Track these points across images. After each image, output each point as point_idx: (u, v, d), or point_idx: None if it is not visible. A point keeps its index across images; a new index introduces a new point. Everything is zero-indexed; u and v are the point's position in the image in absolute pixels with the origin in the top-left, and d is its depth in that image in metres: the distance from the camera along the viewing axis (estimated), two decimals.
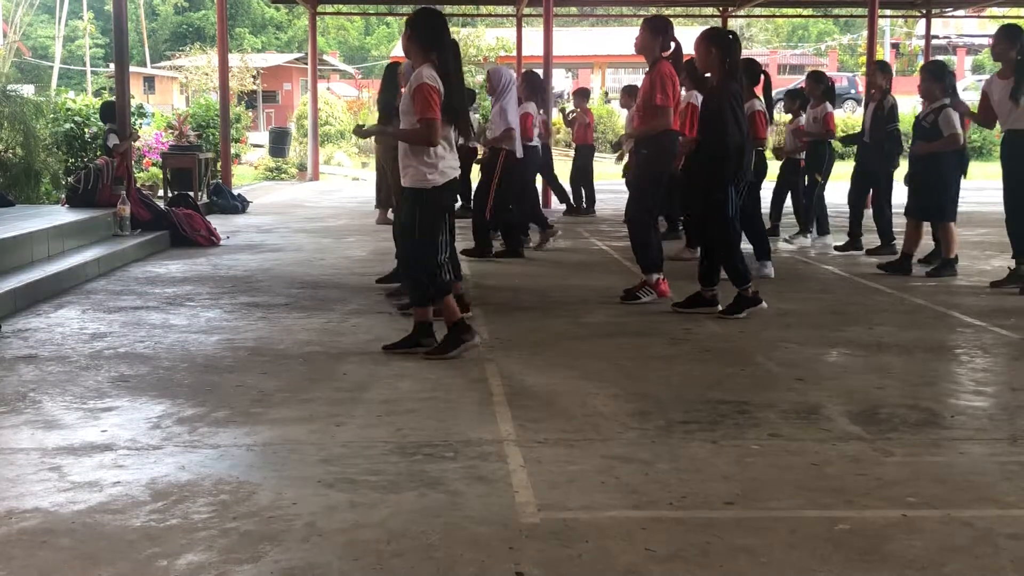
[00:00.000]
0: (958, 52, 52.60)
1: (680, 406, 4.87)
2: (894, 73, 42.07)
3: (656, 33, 7.36)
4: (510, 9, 23.34)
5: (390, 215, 13.13)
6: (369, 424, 4.54)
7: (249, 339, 6.30)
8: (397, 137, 5.94)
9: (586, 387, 5.19)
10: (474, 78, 35.01)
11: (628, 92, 12.85)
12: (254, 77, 33.95)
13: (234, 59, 30.05)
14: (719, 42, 7.08)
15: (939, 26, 40.47)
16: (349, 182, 22.83)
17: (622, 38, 39.59)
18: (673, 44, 7.39)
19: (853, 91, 40.01)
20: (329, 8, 26.05)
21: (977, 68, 51.26)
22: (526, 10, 21.67)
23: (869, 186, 10.42)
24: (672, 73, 7.36)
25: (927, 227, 9.31)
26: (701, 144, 7.26)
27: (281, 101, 41.40)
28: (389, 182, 13.01)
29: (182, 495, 3.65)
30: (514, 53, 23.87)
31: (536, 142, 10.68)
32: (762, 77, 9.33)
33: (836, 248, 10.43)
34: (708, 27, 7.64)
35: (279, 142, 24.97)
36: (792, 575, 3.03)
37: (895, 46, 49.85)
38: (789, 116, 11.95)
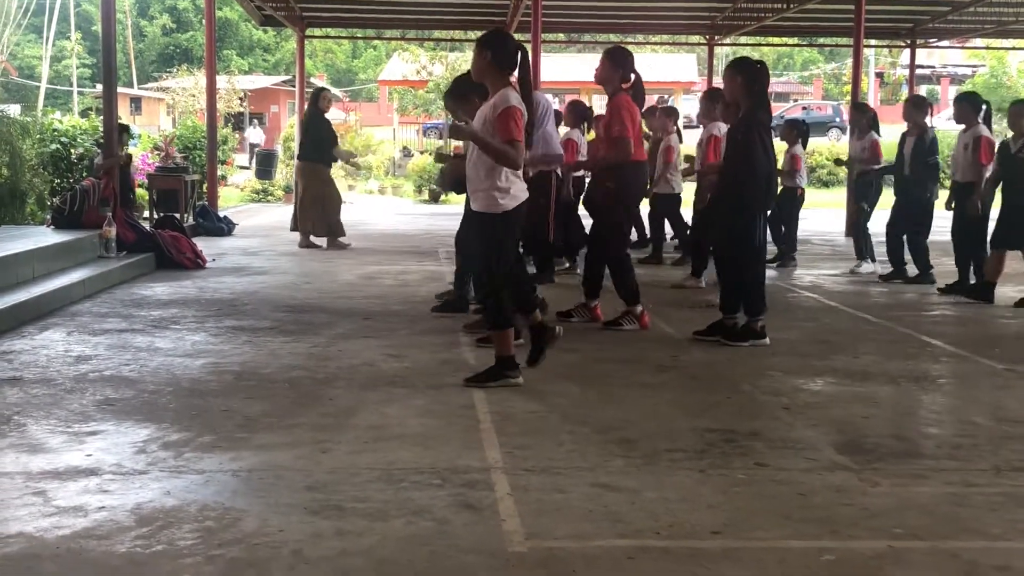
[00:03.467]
0: (942, 82, 53.05)
1: (667, 434, 4.87)
2: (879, 102, 42.31)
3: (616, 65, 7.41)
4: None
5: (312, 239, 13.06)
6: (356, 450, 4.52)
7: (235, 363, 6.28)
8: (482, 143, 5.60)
9: (574, 414, 5.19)
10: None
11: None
12: (241, 99, 33.99)
13: (221, 81, 30.05)
14: (745, 71, 7.09)
15: (923, 56, 40.80)
16: None
17: None
18: (633, 75, 7.43)
19: (837, 119, 40.24)
20: (317, 32, 26.10)
21: None
22: (515, 36, 21.78)
23: (910, 218, 10.44)
24: (629, 104, 7.38)
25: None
26: (727, 172, 7.25)
27: (268, 123, 41.42)
28: (308, 208, 12.94)
29: (167, 521, 3.63)
30: None
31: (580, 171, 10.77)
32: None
33: (881, 277, 10.52)
34: (737, 56, 7.68)
35: (266, 164, 24.96)
36: None
37: (879, 75, 50.24)
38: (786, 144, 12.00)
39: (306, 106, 13.79)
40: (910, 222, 10.34)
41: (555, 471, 4.27)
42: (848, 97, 21.65)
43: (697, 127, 12.45)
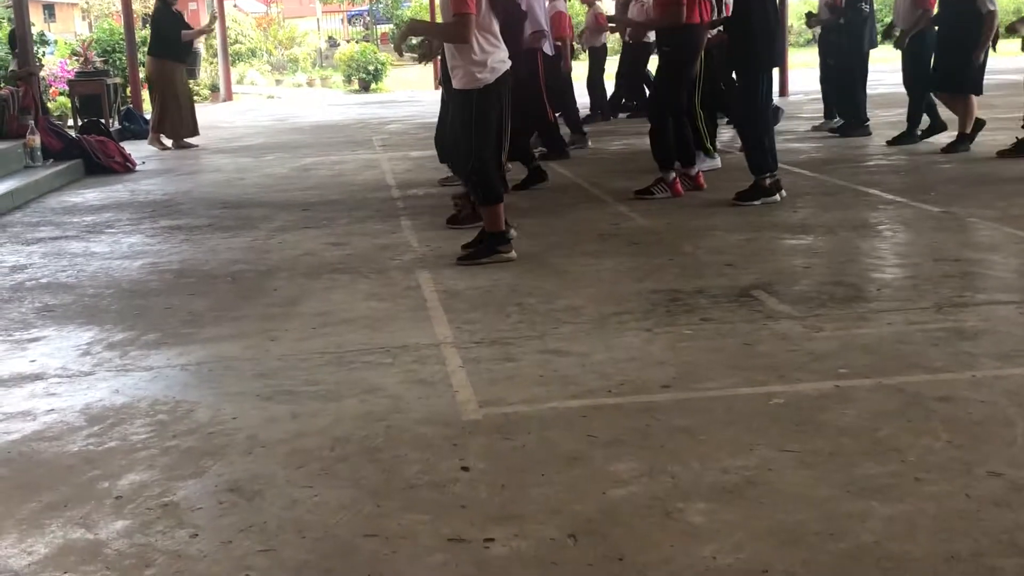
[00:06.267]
0: None
1: (612, 299, 4.90)
2: None
3: None
4: None
5: (163, 139, 12.56)
6: (304, 337, 4.50)
7: (174, 262, 6.20)
8: (431, 33, 5.73)
9: (518, 286, 5.19)
10: None
11: None
12: None
13: None
14: None
15: None
16: (264, 100, 22.39)
17: None
18: None
19: None
20: None
21: None
22: None
23: (854, 64, 10.42)
24: None
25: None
26: (732, 31, 7.20)
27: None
28: (167, 106, 12.48)
29: (118, 418, 3.61)
30: None
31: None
32: None
33: (832, 131, 10.61)
34: None
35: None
36: (730, 450, 3.09)
37: None
38: None
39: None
40: (845, 73, 10.36)
41: (504, 342, 4.29)
42: None
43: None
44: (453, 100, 5.81)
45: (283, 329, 4.63)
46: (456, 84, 5.66)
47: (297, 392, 3.79)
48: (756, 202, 7.03)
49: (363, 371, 3.99)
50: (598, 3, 12.01)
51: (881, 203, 7.02)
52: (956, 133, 9.19)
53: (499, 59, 5.61)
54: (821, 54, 11.11)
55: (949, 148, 9.09)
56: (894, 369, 3.74)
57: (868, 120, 10.52)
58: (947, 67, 9.06)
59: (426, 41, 6.04)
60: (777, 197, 7.08)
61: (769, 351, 4.02)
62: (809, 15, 11.71)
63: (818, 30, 11.53)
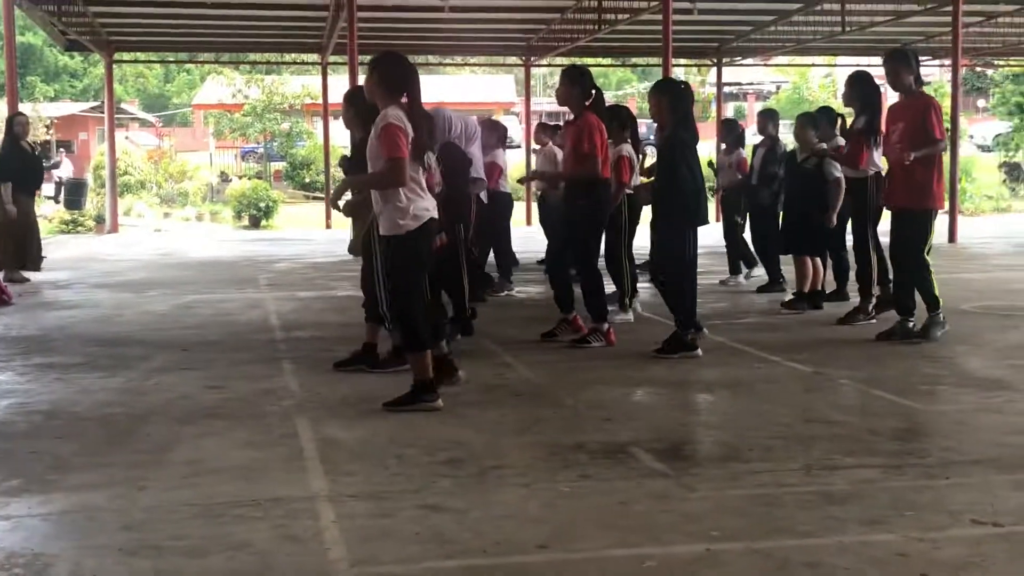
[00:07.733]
0: (748, 98, 55.26)
1: (493, 452, 4.90)
2: None
3: (573, 83, 7.59)
4: (315, 57, 23.27)
5: (21, 274, 12.16)
6: (173, 487, 4.39)
7: (44, 402, 6.01)
8: (362, 184, 5.79)
9: (399, 437, 5.16)
10: (279, 126, 34.65)
11: (543, 129, 12.90)
12: (47, 127, 32.68)
13: (26, 109, 28.83)
14: (669, 92, 7.30)
15: (730, 74, 42.34)
16: (150, 234, 22.15)
17: (429, 86, 39.96)
18: (594, 92, 7.62)
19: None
20: (127, 56, 25.33)
21: None
22: (331, 58, 21.64)
23: (767, 225, 10.69)
24: (598, 123, 7.54)
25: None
26: (656, 192, 7.43)
27: (77, 151, 39.89)
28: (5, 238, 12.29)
29: None
30: (320, 100, 23.77)
31: (506, 188, 11.00)
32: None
33: (759, 289, 10.75)
34: (662, 78, 7.86)
35: (75, 193, 24.00)
36: None
37: None
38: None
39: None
40: (758, 230, 10.70)
41: (381, 496, 4.24)
42: None
43: (518, 147, 12.66)
44: (379, 245, 5.87)
45: (153, 478, 4.50)
46: (381, 230, 5.71)
47: (162, 547, 3.67)
48: (675, 356, 7.13)
49: (232, 525, 3.89)
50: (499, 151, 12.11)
51: (756, 361, 7.21)
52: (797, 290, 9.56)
53: (423, 207, 5.65)
54: (726, 210, 11.37)
55: (790, 305, 9.44)
56: (764, 533, 3.80)
57: (783, 278, 10.72)
58: (794, 230, 9.50)
59: (357, 195, 6.13)
60: (699, 352, 7.20)
61: (644, 511, 4.05)
62: (710, 164, 11.80)
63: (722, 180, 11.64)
